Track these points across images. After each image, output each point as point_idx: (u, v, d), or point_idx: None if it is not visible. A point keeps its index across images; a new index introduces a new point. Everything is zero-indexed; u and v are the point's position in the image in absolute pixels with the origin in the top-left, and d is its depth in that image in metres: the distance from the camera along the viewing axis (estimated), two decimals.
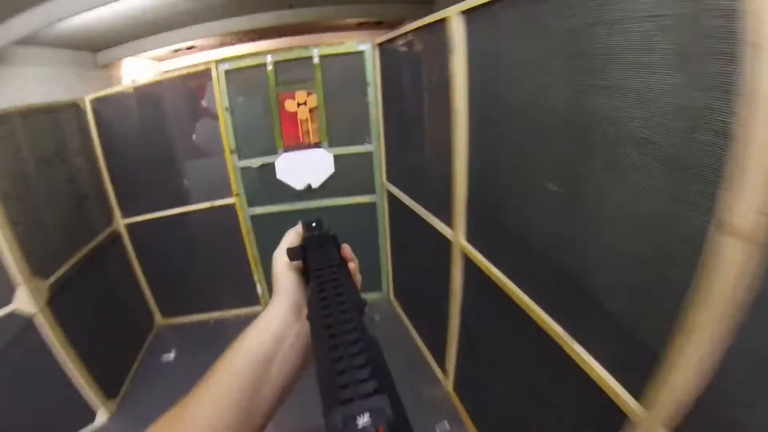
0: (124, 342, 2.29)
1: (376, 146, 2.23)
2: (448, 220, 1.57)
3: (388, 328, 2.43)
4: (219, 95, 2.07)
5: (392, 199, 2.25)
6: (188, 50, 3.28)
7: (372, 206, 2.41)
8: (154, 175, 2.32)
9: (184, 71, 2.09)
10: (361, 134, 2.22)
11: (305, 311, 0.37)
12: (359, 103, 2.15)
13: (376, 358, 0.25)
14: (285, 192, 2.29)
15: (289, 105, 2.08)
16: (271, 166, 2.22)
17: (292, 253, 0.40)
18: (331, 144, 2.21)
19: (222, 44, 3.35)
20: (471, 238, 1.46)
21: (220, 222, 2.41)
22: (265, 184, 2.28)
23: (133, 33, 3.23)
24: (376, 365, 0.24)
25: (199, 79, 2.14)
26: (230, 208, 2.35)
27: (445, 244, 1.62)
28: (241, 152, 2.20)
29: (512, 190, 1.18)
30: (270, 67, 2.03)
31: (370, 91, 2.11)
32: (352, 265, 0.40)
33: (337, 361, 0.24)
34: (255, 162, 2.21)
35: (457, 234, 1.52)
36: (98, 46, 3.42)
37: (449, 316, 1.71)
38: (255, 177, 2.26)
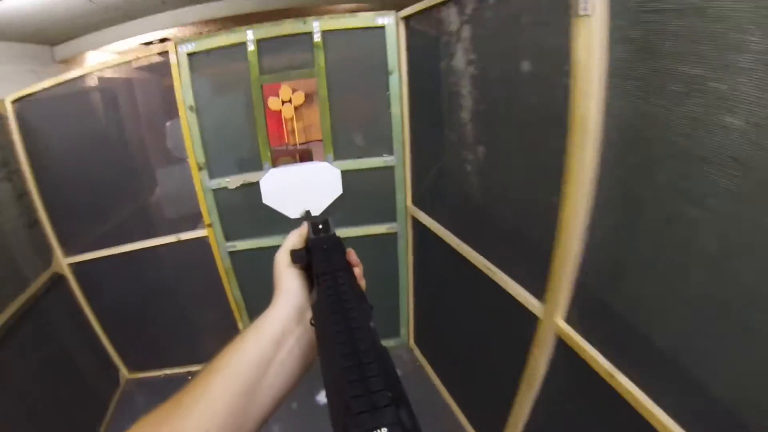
0: (80, 410, 1.74)
1: (399, 158, 1.63)
2: (537, 289, 1.01)
3: (409, 380, 1.92)
4: (180, 89, 1.48)
5: (419, 229, 1.68)
6: (160, 43, 2.76)
7: (391, 237, 1.81)
8: (104, 201, 1.76)
9: (129, 58, 1.50)
10: (379, 142, 1.62)
11: (308, 315, 0.36)
12: (376, 100, 1.56)
13: (388, 368, 0.23)
14: (275, 221, 1.68)
15: (273, 103, 1.51)
16: (254, 187, 1.62)
17: (296, 256, 0.39)
18: (338, 155, 1.61)
19: (198, 35, 2.83)
20: (577, 322, 0.91)
21: (192, 259, 1.83)
22: (247, 211, 1.68)
23: (95, 22, 2.67)
24: (389, 375, 0.23)
25: (160, 69, 1.55)
26: (202, 242, 1.75)
27: (525, 316, 1.05)
28: (214, 168, 1.60)
29: (694, 276, 0.62)
30: (251, 47, 1.44)
31: (393, 82, 1.52)
32: (358, 271, 0.39)
33: (348, 370, 0.23)
34: (232, 181, 1.61)
35: (551, 311, 0.95)
36: (56, 39, 2.86)
37: (515, 397, 1.18)
38: (233, 201, 1.66)
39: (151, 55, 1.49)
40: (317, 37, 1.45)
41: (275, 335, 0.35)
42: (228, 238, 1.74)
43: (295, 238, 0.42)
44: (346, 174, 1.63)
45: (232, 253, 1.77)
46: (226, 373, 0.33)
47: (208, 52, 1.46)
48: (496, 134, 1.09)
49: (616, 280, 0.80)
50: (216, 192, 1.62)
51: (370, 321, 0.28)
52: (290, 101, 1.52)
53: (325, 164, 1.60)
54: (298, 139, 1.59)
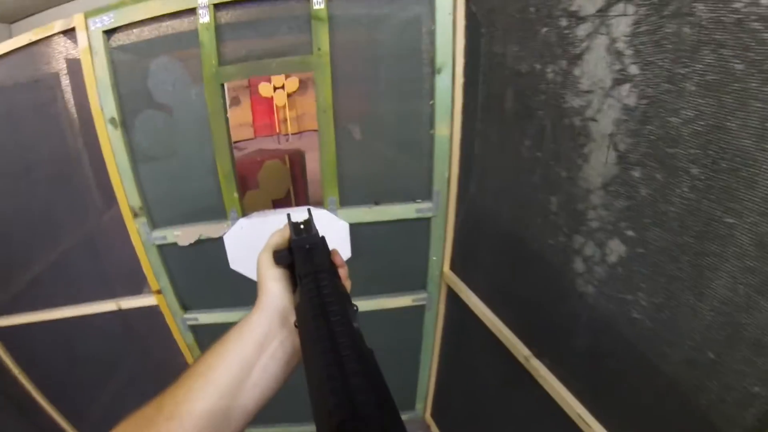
0: None
1: (440, 207, 1.04)
2: None
3: None
4: (94, 89, 0.91)
5: (456, 303, 1.16)
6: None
7: (417, 310, 1.25)
8: (32, 244, 1.26)
9: (19, 42, 0.94)
10: (411, 181, 1.03)
11: (292, 318, 0.34)
12: (411, 113, 0.96)
13: (372, 373, 0.23)
14: (251, 287, 1.13)
15: (264, 89, 1.02)
16: (217, 242, 1.06)
17: (279, 257, 0.37)
18: (345, 200, 1.03)
19: (121, 2, 2.27)
20: None
21: (143, 331, 1.33)
22: (211, 274, 1.13)
23: None
24: (373, 380, 0.22)
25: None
26: (152, 312, 1.23)
27: None
28: (156, 214, 1.04)
29: None
30: (205, 18, 0.85)
31: (441, 86, 0.91)
32: (343, 272, 0.37)
33: (330, 378, 0.22)
34: (183, 236, 1.05)
35: None
36: (12, 16, 2.35)
37: None
38: (190, 260, 1.11)
39: (52, 36, 0.93)
40: (319, 3, 0.85)
41: (258, 339, 0.34)
42: (187, 308, 1.20)
43: (277, 238, 0.41)
44: (357, 228, 1.05)
45: (194, 327, 1.24)
46: (208, 377, 0.31)
47: (136, 29, 0.88)
48: (664, 231, 0.48)
49: None
50: (162, 248, 1.07)
51: (354, 323, 0.27)
52: (283, 87, 0.98)
53: (324, 213, 1.03)
54: (291, 128, 1.10)
